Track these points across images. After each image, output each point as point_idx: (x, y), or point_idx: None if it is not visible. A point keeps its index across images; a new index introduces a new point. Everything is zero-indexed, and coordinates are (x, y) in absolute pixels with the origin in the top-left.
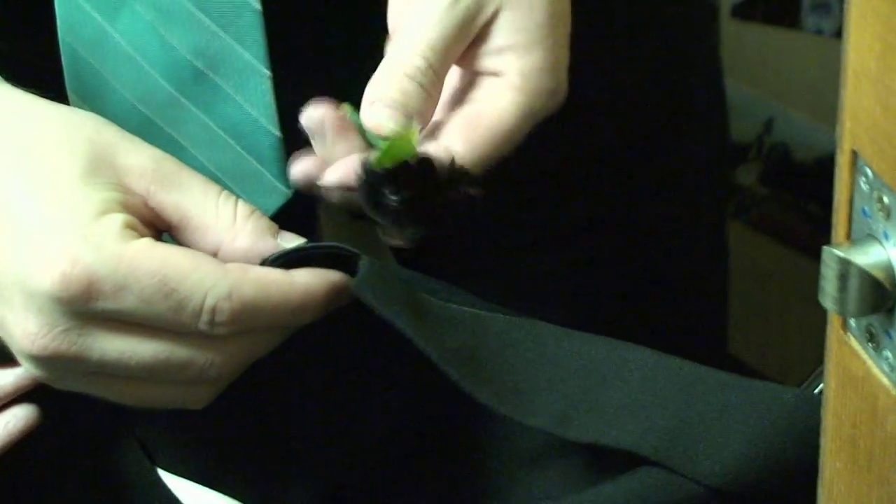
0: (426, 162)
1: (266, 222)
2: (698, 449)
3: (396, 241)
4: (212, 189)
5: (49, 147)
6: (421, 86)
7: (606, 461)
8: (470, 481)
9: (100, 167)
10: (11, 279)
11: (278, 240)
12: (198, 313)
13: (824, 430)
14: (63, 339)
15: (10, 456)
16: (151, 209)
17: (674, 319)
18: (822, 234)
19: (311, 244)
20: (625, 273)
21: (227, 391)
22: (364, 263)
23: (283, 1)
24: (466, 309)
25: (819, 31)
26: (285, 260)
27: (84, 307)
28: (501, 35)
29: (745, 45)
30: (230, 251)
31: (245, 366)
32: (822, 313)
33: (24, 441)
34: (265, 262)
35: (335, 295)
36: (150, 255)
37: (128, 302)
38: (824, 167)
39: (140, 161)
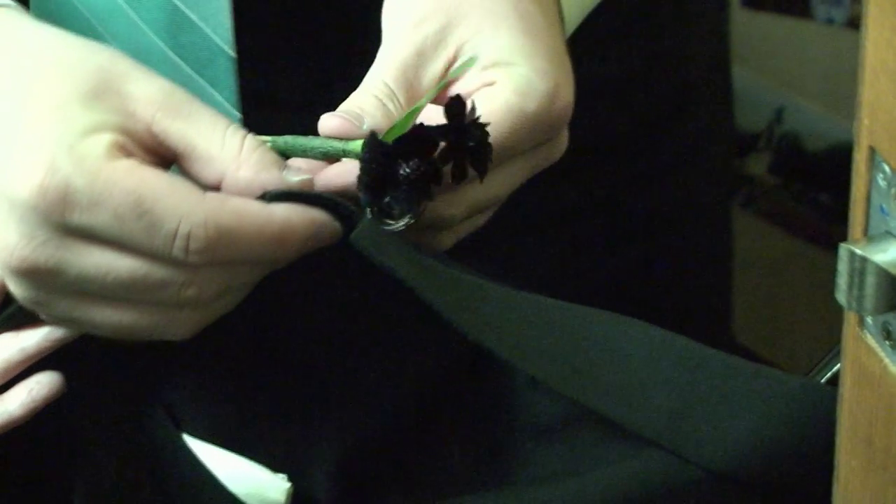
0: (430, 129)
1: (273, 156)
2: (702, 432)
3: (401, 223)
4: (220, 121)
5: (57, 70)
6: (376, 97)
7: (613, 439)
8: (480, 450)
9: (104, 92)
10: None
11: (284, 173)
12: (171, 238)
13: (840, 428)
14: (42, 252)
15: (38, 422)
16: (155, 136)
17: (675, 306)
18: (833, 224)
19: (313, 192)
20: (624, 258)
21: (248, 355)
22: (365, 219)
23: (256, 49)
24: (467, 275)
25: (830, 21)
26: (284, 200)
27: (61, 219)
28: (484, 55)
29: (755, 35)
30: (233, 181)
31: (226, 294)
32: (833, 304)
33: (53, 407)
34: (265, 196)
35: (316, 232)
36: (129, 174)
37: (101, 218)
38: (835, 157)
39: (149, 90)
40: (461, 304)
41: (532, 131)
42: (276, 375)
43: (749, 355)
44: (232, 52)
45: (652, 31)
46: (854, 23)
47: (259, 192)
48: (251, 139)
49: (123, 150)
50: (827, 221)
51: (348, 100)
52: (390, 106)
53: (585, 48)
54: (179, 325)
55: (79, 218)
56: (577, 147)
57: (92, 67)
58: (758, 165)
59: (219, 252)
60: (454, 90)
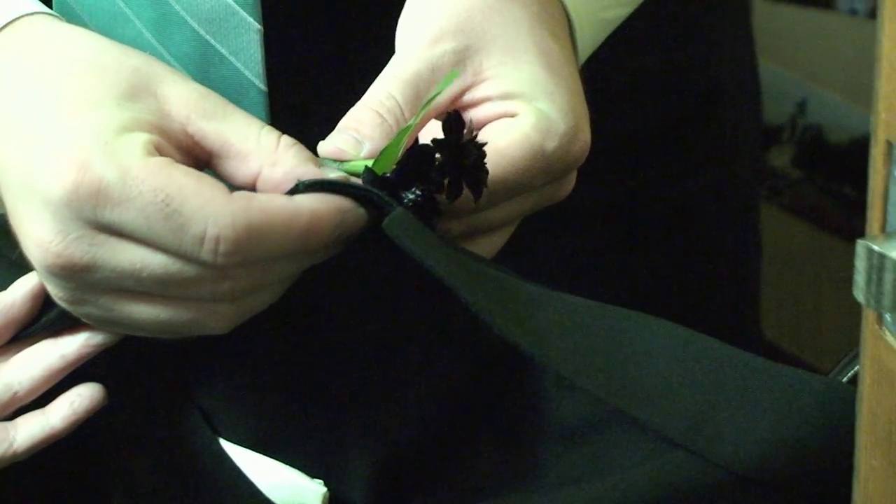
0: (427, 148)
1: (308, 153)
2: (724, 433)
3: None
4: (255, 121)
5: (93, 70)
6: (377, 113)
7: (639, 440)
8: (509, 452)
9: (140, 93)
10: (32, 189)
11: (320, 169)
12: (199, 241)
13: (859, 427)
14: (76, 248)
15: (80, 431)
16: (190, 136)
17: (705, 303)
18: (856, 216)
19: (348, 183)
20: (656, 255)
21: (284, 359)
22: (398, 209)
23: (287, 82)
24: (497, 271)
25: (853, 12)
26: (317, 190)
27: (93, 214)
28: (503, 84)
29: (777, 26)
30: (269, 177)
31: (263, 286)
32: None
33: (93, 417)
34: (298, 187)
35: (342, 220)
36: (159, 171)
37: (131, 216)
38: (858, 148)
39: (184, 91)
40: (490, 298)
41: (548, 170)
42: (311, 380)
43: (774, 349)
44: (263, 86)
45: (681, 31)
46: (877, 14)
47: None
48: (286, 137)
49: (158, 149)
50: (851, 214)
51: (348, 114)
52: (390, 120)
53: (613, 49)
54: (218, 319)
55: (110, 214)
56: (607, 146)
57: (128, 69)
58: (781, 158)
59: (248, 251)
60: (476, 116)
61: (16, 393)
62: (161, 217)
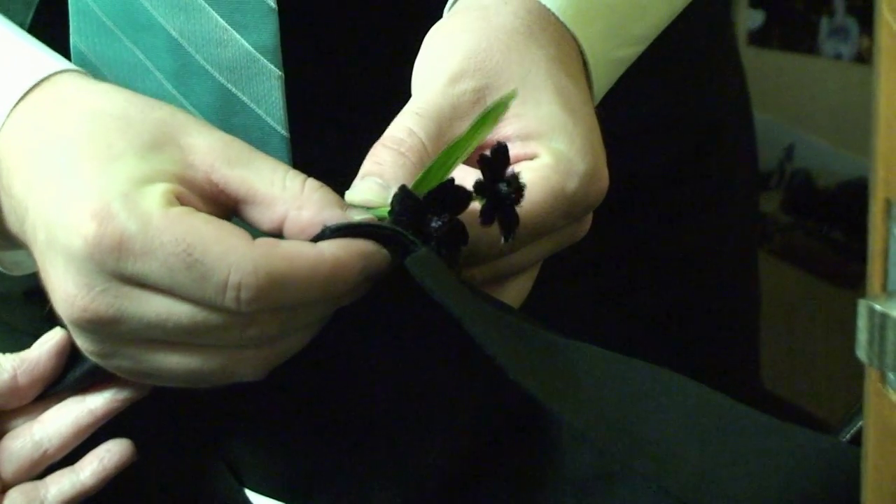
0: (458, 189)
1: (335, 196)
2: (729, 492)
3: None
4: (280, 166)
5: (118, 124)
6: (399, 153)
7: (647, 494)
8: (524, 500)
9: (164, 144)
10: (56, 244)
11: (346, 212)
12: (222, 289)
13: (865, 485)
14: (101, 301)
15: (109, 484)
16: (215, 184)
17: (705, 349)
18: (846, 261)
19: (374, 224)
20: (654, 302)
21: (307, 408)
22: (423, 249)
23: (308, 127)
24: (515, 318)
25: (838, 56)
26: (343, 234)
27: (116, 267)
28: (523, 124)
29: (762, 72)
30: (295, 220)
31: (291, 332)
32: (848, 339)
33: (123, 471)
34: (324, 233)
35: (367, 265)
36: (179, 221)
37: (153, 267)
38: (847, 192)
39: (208, 141)
40: (507, 344)
41: (569, 211)
42: (335, 428)
43: (770, 395)
44: (285, 132)
45: (677, 77)
46: (862, 57)
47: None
48: (312, 181)
49: (180, 199)
50: (841, 258)
51: (370, 155)
52: (412, 158)
53: (614, 94)
54: (248, 366)
55: (132, 266)
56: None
57: (152, 121)
58: (770, 203)
59: (272, 298)
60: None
61: (46, 451)
62: (183, 267)
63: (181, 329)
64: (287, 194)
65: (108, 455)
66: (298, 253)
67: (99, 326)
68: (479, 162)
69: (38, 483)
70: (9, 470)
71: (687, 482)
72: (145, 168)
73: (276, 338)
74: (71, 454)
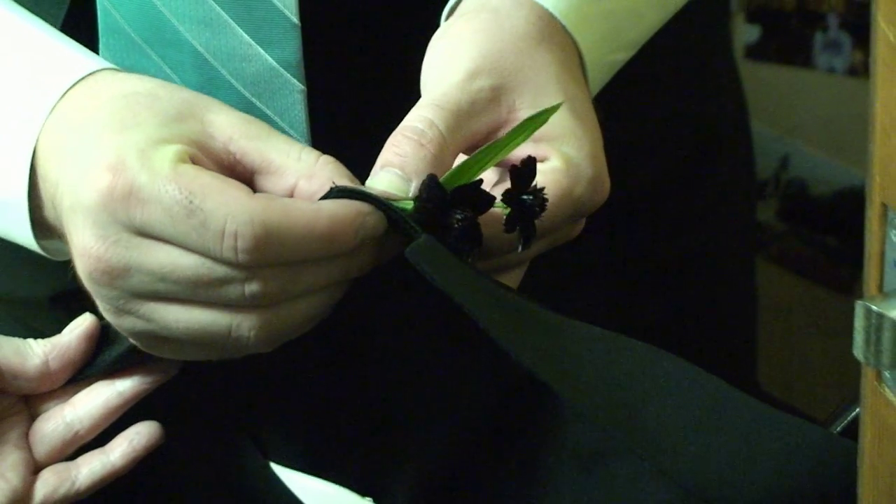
0: (484, 193)
1: (346, 170)
2: (725, 476)
3: None
4: (296, 143)
5: (146, 101)
6: (420, 144)
7: (645, 473)
8: (531, 476)
9: (186, 118)
10: (77, 202)
11: (356, 185)
12: (220, 237)
13: (861, 481)
14: (113, 251)
15: (138, 464)
16: (232, 153)
17: (704, 351)
18: (840, 266)
19: (379, 198)
20: (657, 306)
21: (328, 387)
22: (424, 236)
23: (330, 139)
24: (518, 298)
25: (831, 70)
26: (346, 196)
27: (126, 217)
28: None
29: (759, 85)
30: (305, 188)
31: (297, 297)
32: (842, 341)
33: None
34: (331, 192)
35: (364, 224)
36: (185, 173)
37: (157, 215)
38: (840, 201)
39: (230, 116)
40: (510, 326)
41: (574, 213)
42: (354, 405)
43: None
44: (308, 145)
45: (679, 89)
46: (855, 70)
47: None
48: (326, 156)
49: (194, 160)
50: (835, 264)
51: (389, 143)
52: (432, 150)
53: (615, 106)
54: (253, 328)
55: (140, 215)
56: (607, 201)
57: (178, 99)
58: (766, 212)
59: (270, 250)
60: (507, 154)
61: (77, 432)
62: (184, 214)
63: (186, 281)
64: (300, 165)
65: (137, 437)
66: (296, 207)
67: (111, 279)
68: (510, 172)
69: (70, 464)
70: (42, 451)
71: (683, 465)
72: (164, 132)
73: (279, 299)
74: (101, 436)
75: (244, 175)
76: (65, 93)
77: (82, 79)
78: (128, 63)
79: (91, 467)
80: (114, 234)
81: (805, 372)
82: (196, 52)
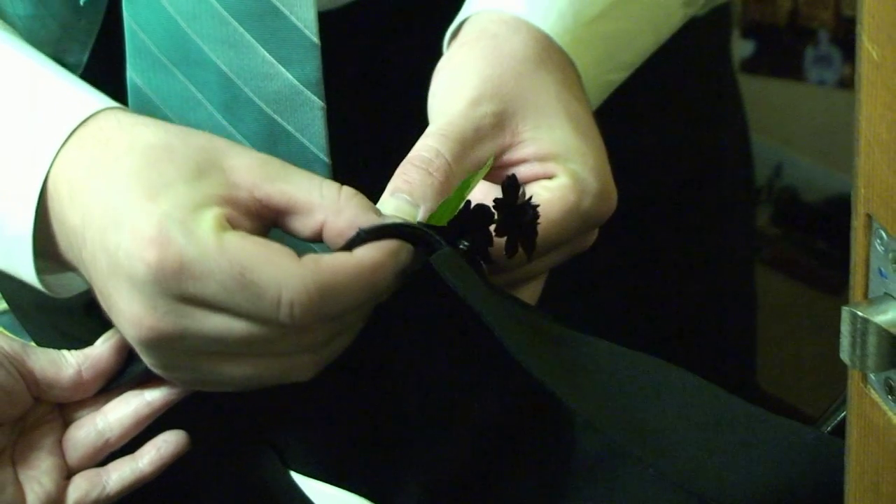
0: (485, 208)
1: (369, 202)
2: (723, 477)
3: None
4: (315, 178)
5: (164, 155)
6: (427, 172)
7: (647, 478)
8: (538, 483)
9: (208, 169)
10: (119, 270)
11: (381, 218)
12: (276, 306)
13: (848, 477)
14: (166, 320)
15: (165, 472)
16: (258, 200)
17: (707, 352)
18: (830, 268)
19: (404, 224)
20: (662, 310)
21: (347, 397)
22: (447, 247)
23: (348, 155)
24: (530, 312)
25: (822, 82)
26: (376, 235)
27: (178, 289)
28: (540, 146)
29: (753, 97)
30: (334, 225)
31: (341, 335)
32: (834, 341)
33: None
34: (359, 234)
35: (399, 263)
36: (233, 245)
37: (212, 288)
38: (831, 207)
39: (247, 161)
40: (522, 337)
41: (583, 226)
42: (371, 415)
43: (763, 393)
44: (327, 159)
45: (683, 106)
46: (844, 83)
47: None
48: (347, 188)
49: (230, 220)
50: (825, 266)
51: (398, 173)
52: (439, 178)
53: (625, 121)
54: (301, 369)
55: (193, 287)
56: (615, 211)
57: (193, 148)
58: (761, 217)
59: (322, 310)
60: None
61: (108, 440)
62: (239, 287)
63: (240, 342)
64: (325, 202)
65: (165, 445)
66: (341, 264)
67: (164, 343)
68: (502, 187)
69: (101, 469)
70: (74, 457)
71: (682, 468)
72: (195, 194)
73: (328, 342)
74: (130, 443)
75: (270, 217)
76: (72, 132)
77: (87, 119)
78: (155, 82)
79: (121, 473)
80: (164, 304)
81: (798, 368)
82: (220, 71)
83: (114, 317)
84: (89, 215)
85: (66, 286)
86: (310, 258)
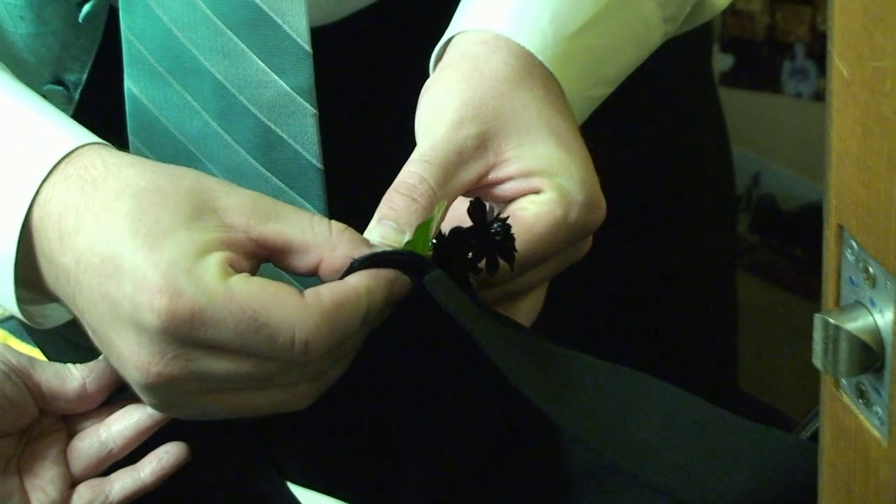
0: (459, 232)
1: (359, 235)
2: (707, 485)
3: None
4: (305, 214)
5: (158, 199)
6: (412, 199)
7: (635, 486)
8: (532, 492)
9: (202, 212)
10: (123, 318)
11: (372, 251)
12: (290, 346)
13: (821, 478)
14: (174, 365)
15: (166, 483)
16: (254, 240)
17: (689, 355)
18: (806, 274)
19: (395, 252)
20: (646, 315)
21: (344, 410)
22: (437, 270)
23: (341, 161)
24: (518, 332)
25: (798, 95)
26: (367, 264)
27: (188, 336)
28: (524, 163)
29: (732, 109)
30: (331, 261)
31: (339, 361)
32: (810, 344)
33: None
34: (353, 265)
35: (392, 289)
36: (241, 290)
37: (225, 334)
38: (807, 215)
39: (238, 200)
40: (512, 354)
41: (572, 237)
42: (368, 428)
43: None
44: (319, 165)
45: (666, 117)
46: (820, 96)
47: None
48: (336, 224)
49: (231, 264)
50: (801, 272)
51: (384, 201)
52: (423, 203)
53: (609, 134)
54: (301, 397)
55: (205, 334)
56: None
57: (184, 191)
58: (740, 225)
59: (331, 343)
60: (501, 193)
61: (111, 450)
62: (252, 332)
63: (248, 378)
64: (319, 239)
65: (166, 456)
66: (342, 293)
67: (169, 386)
68: (468, 213)
69: (104, 479)
70: (78, 467)
71: (666, 476)
72: (196, 240)
73: (330, 368)
74: (133, 453)
75: (265, 255)
76: (53, 168)
77: (70, 154)
78: (151, 91)
79: (123, 483)
80: (172, 350)
81: (776, 370)
82: (215, 80)
83: (114, 360)
84: (84, 261)
85: (48, 317)
86: (311, 293)
